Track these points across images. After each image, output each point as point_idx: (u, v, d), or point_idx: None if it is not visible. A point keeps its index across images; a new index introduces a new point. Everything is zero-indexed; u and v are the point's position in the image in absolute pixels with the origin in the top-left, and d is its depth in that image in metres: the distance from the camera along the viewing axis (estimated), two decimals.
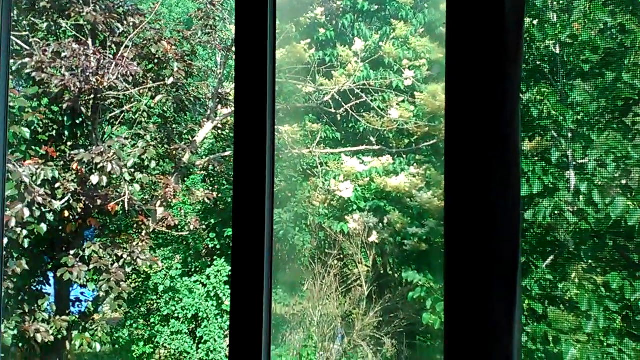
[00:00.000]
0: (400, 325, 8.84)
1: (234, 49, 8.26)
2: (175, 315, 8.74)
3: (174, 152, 7.89)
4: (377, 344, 8.92)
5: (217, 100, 8.28)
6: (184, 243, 9.47)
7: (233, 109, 8.38)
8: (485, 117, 1.28)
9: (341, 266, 9.42)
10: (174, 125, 8.32)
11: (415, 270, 8.09)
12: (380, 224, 8.70)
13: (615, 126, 5.74)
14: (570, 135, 5.72)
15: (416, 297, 7.89)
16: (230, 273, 8.78)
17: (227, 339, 8.85)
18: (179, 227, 8.70)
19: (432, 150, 8.97)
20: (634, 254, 5.52)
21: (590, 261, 5.99)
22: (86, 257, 7.04)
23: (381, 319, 8.98)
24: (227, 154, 8.76)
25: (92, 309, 7.75)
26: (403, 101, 8.84)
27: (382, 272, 9.61)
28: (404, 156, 8.93)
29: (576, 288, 5.74)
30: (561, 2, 5.50)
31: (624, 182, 5.60)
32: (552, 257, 6.10)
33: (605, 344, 5.42)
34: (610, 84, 5.46)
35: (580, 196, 5.46)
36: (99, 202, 7.07)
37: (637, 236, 5.15)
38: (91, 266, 6.97)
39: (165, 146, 8.00)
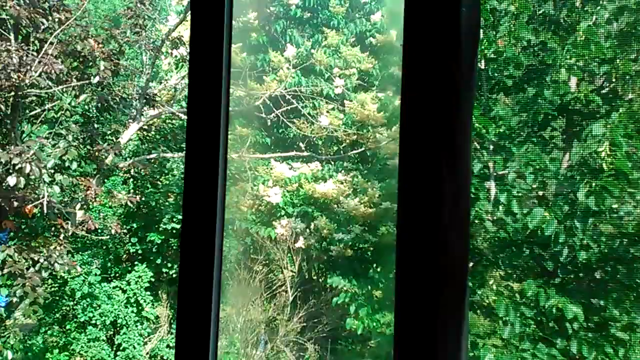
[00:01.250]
0: (324, 330, 8.90)
1: (163, 49, 8.08)
2: (93, 321, 8.42)
3: (97, 153, 7.61)
4: (300, 350, 8.94)
5: (144, 100, 8.06)
6: (104, 247, 9.15)
7: (159, 110, 8.19)
8: (439, 137, 1.33)
9: (267, 272, 9.39)
10: (97, 126, 8.03)
11: (340, 276, 8.17)
12: (308, 230, 8.74)
13: (535, 140, 6.03)
14: (491, 147, 5.95)
15: (340, 303, 7.97)
16: (150, 280, 8.60)
17: (146, 347, 8.62)
18: (99, 230, 8.40)
19: (360, 157, 9.11)
20: (549, 262, 5.78)
21: (507, 269, 6.23)
22: (0, 261, 6.66)
23: (305, 324, 9.01)
24: (152, 156, 8.54)
25: (4, 314, 7.34)
26: (333, 109, 8.94)
27: (307, 277, 9.65)
28: (332, 163, 9.02)
29: (494, 294, 5.95)
30: (487, 18, 5.71)
31: (541, 193, 5.89)
32: (471, 264, 6.31)
33: (519, 349, 5.65)
34: (531, 99, 5.74)
35: (500, 206, 5.68)
36: (15, 203, 6.71)
37: (553, 245, 5.41)
38: (5, 270, 6.60)
39: (88, 147, 7.70)
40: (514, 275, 6.29)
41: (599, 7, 5.51)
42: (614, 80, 5.50)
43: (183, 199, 1.62)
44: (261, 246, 9.09)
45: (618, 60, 5.32)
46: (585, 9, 5.56)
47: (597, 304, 5.63)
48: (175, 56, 8.34)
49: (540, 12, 5.70)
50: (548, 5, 5.69)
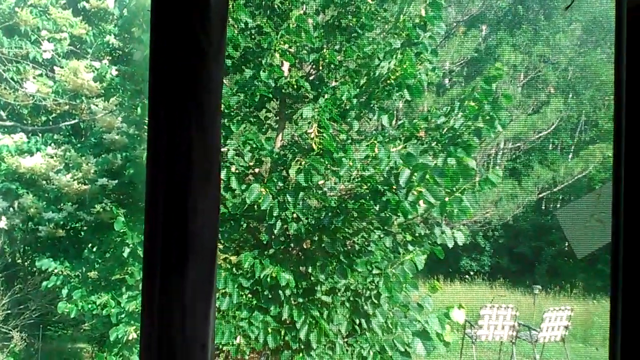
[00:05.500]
0: (32, 316, 8.25)
1: None
2: None
3: None
4: (4, 339, 8.17)
5: None
6: None
7: None
8: (189, 111, 1.31)
9: None
10: None
11: (51, 258, 7.59)
12: (11, 209, 7.89)
13: (252, 119, 6.31)
14: None
15: (51, 286, 7.44)
16: None
17: None
18: None
19: (73, 130, 8.49)
20: (264, 235, 6.13)
21: (225, 242, 6.43)
22: None
23: (9, 312, 8.26)
24: None
25: None
26: (41, 75, 8.12)
27: (10, 261, 8.80)
28: (41, 135, 8.24)
29: None
30: None
31: (257, 170, 6.19)
32: None
33: (237, 318, 5.91)
34: (249, 80, 5.96)
35: (220, 183, 5.80)
36: None
37: (268, 219, 5.73)
38: None
39: None
40: (232, 248, 6.51)
41: None
42: (320, 67, 6.00)
43: None
44: None
45: (325, 50, 5.82)
46: None
47: (305, 271, 6.15)
48: None
49: None
50: None
